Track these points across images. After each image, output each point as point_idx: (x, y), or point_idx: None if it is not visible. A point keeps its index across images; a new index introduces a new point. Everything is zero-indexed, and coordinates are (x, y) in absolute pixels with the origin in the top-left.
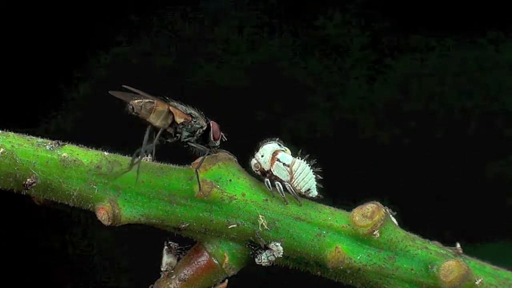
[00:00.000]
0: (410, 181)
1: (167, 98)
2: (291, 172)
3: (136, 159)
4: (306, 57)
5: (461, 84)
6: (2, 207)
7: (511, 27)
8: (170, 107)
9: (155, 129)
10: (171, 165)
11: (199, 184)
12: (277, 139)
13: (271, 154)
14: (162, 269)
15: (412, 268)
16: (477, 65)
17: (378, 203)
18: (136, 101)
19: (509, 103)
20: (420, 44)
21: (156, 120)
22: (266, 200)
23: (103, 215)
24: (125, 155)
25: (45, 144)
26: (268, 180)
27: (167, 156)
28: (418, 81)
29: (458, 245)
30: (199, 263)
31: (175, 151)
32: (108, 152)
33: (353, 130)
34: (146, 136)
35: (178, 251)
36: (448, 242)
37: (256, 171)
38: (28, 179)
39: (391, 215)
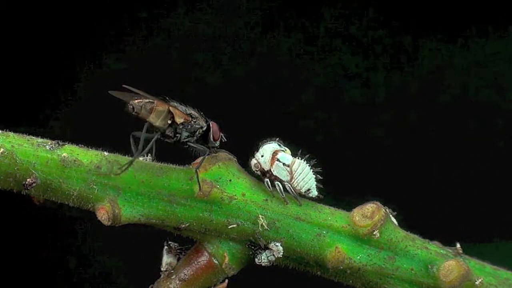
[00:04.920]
0: (410, 181)
1: (167, 98)
2: (291, 172)
3: (133, 157)
4: (307, 55)
5: (461, 83)
6: (2, 207)
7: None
8: (170, 107)
9: (153, 128)
10: (171, 165)
11: (199, 184)
12: (277, 139)
13: (271, 154)
14: (162, 269)
15: (412, 268)
16: (480, 61)
17: (378, 203)
18: (136, 101)
19: (510, 102)
20: (423, 43)
21: (156, 120)
22: (266, 200)
23: (103, 215)
24: (125, 155)
25: (45, 144)
26: (268, 180)
27: (167, 156)
28: (418, 80)
29: (458, 245)
30: (199, 263)
31: (175, 151)
32: (108, 152)
33: (353, 129)
34: (143, 132)
35: (178, 251)
36: (448, 242)
37: (256, 171)
38: (28, 179)
39: (391, 215)
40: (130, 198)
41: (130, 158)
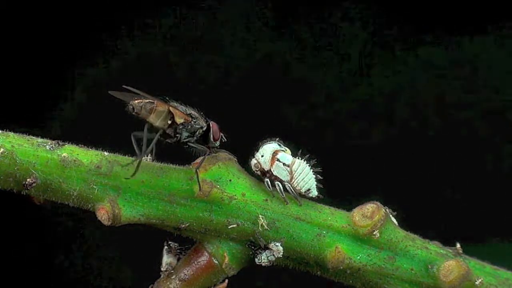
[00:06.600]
0: (410, 180)
1: (167, 98)
2: (291, 172)
3: (137, 159)
4: (307, 55)
5: (460, 82)
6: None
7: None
8: (170, 108)
9: (153, 128)
10: (171, 165)
11: (199, 184)
12: (277, 139)
13: (271, 154)
14: (162, 269)
15: (412, 268)
16: (475, 62)
17: (378, 203)
18: (136, 101)
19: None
20: (418, 41)
21: (156, 120)
22: (266, 200)
23: (103, 215)
24: (125, 155)
25: (45, 144)
26: (268, 180)
27: (167, 156)
28: (418, 80)
29: (458, 245)
30: (199, 263)
31: (175, 151)
32: (108, 152)
33: (353, 129)
34: (144, 133)
35: (178, 251)
36: (448, 242)
37: (256, 171)
38: (28, 179)
39: (391, 215)
40: (130, 198)
41: (133, 159)
